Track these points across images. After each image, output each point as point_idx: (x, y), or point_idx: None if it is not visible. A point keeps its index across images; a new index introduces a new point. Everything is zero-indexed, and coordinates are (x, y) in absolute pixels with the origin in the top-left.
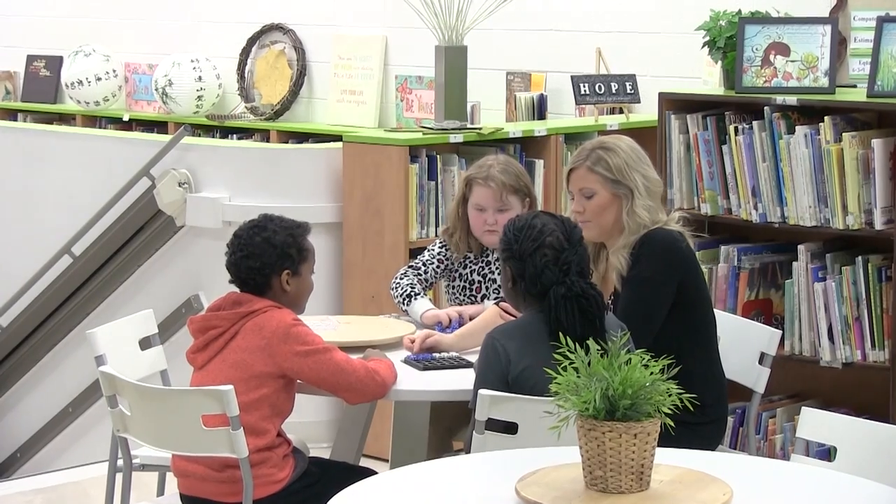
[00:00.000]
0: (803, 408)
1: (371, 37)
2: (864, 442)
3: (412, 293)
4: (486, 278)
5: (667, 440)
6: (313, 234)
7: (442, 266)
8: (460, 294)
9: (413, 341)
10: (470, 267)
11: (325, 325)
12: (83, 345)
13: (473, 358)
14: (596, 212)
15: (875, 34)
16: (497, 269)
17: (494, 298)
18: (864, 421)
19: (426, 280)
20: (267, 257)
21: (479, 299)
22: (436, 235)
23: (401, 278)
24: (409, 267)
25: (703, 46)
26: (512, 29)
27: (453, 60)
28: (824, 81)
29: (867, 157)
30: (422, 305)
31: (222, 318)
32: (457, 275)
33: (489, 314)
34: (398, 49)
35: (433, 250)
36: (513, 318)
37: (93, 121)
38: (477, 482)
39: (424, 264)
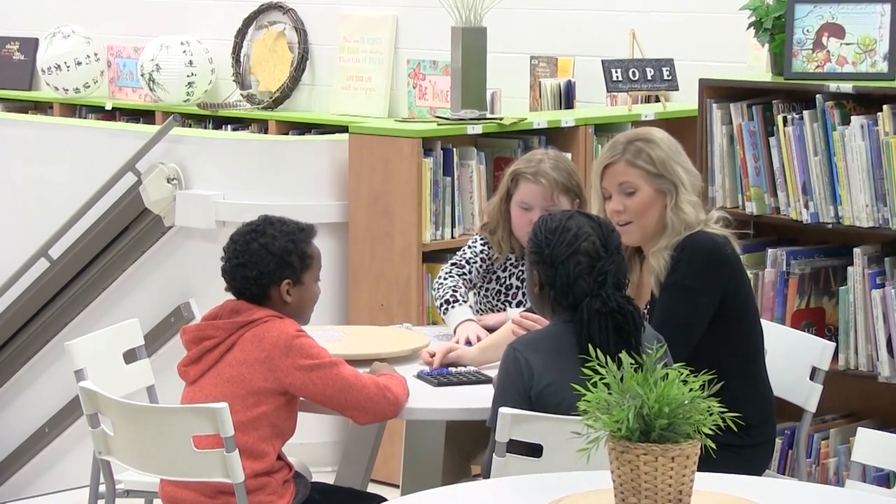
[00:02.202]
0: (859, 428)
1: (380, 17)
2: None
3: (451, 298)
4: (525, 283)
5: (708, 464)
6: (316, 235)
7: (484, 266)
8: (493, 298)
9: (432, 355)
10: (510, 270)
11: (329, 336)
12: (61, 358)
13: (494, 372)
14: (638, 210)
15: None
16: None
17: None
18: None
19: (470, 281)
20: (264, 266)
21: (513, 305)
22: (452, 237)
23: (445, 278)
24: (453, 265)
25: (748, 28)
26: (536, 9)
27: (471, 43)
28: (883, 66)
29: None
30: (458, 315)
31: (218, 327)
32: (493, 277)
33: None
34: (410, 30)
35: (475, 247)
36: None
37: (72, 110)
38: None
39: (468, 262)
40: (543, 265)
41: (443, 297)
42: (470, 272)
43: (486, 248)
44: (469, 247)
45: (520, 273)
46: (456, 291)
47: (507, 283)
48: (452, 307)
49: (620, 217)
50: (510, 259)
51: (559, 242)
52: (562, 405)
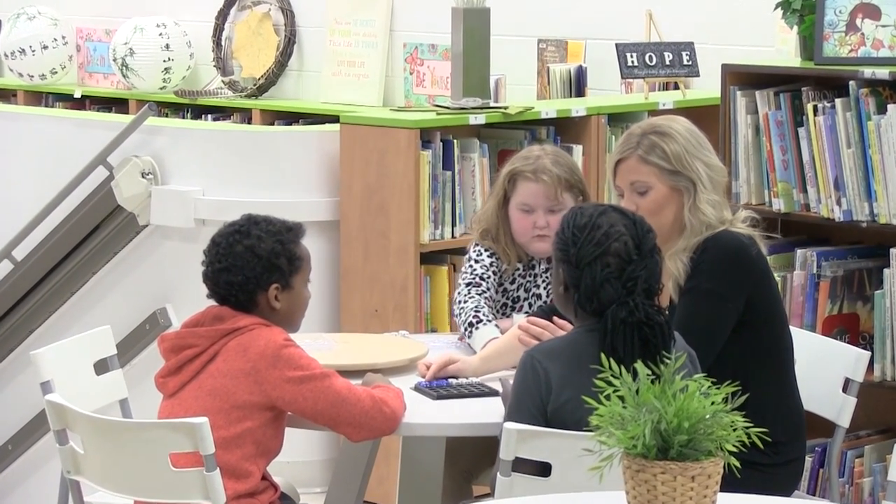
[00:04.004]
0: None
1: None
2: None
3: (474, 320)
4: (531, 293)
5: (731, 484)
6: (305, 235)
7: (495, 279)
8: (498, 312)
9: (429, 367)
10: (518, 282)
11: (318, 345)
12: (26, 369)
13: (497, 384)
14: (652, 210)
15: None
16: (543, 281)
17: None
18: None
19: (490, 298)
20: (250, 270)
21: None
22: (452, 237)
23: (465, 301)
24: (469, 285)
25: (775, 9)
26: None
27: (473, 25)
28: None
29: None
30: (484, 335)
31: (200, 335)
32: (501, 290)
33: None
34: (407, 11)
35: (483, 260)
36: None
37: (38, 97)
38: None
39: (483, 279)
40: (568, 265)
41: (465, 320)
42: (489, 289)
43: (493, 258)
44: (476, 261)
45: (527, 284)
46: (479, 311)
47: (515, 295)
48: (477, 328)
49: None
50: (518, 269)
51: (587, 241)
52: (581, 423)
